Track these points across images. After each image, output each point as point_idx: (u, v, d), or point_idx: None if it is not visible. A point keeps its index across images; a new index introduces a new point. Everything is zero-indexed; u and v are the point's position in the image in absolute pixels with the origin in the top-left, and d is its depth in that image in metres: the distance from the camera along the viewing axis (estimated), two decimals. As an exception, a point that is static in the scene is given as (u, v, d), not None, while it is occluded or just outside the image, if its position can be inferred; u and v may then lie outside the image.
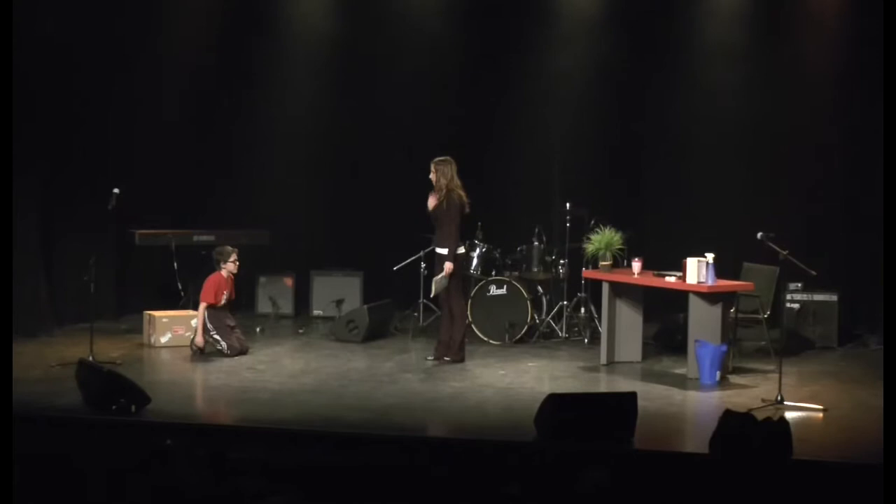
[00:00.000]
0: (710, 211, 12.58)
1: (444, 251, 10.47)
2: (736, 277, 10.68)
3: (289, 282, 12.98)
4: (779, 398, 8.95)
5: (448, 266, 10.41)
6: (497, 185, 12.99)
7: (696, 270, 9.91)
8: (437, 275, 10.50)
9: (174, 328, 11.17)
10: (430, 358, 10.69)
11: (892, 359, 7.91)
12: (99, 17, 11.81)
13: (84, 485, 6.39)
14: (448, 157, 10.53)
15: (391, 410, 8.78)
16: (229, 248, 11.08)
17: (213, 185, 13.11)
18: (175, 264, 12.08)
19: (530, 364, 10.71)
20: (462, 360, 10.59)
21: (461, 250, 10.63)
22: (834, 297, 11.64)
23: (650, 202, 12.89)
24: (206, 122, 13.01)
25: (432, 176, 10.50)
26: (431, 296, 10.77)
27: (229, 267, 10.97)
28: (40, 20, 11.07)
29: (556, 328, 11.90)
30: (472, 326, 11.64)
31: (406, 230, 12.01)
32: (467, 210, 10.54)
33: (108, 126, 12.10)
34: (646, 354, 10.90)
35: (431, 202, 10.56)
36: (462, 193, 10.48)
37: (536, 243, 11.92)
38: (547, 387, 9.40)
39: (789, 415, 8.50)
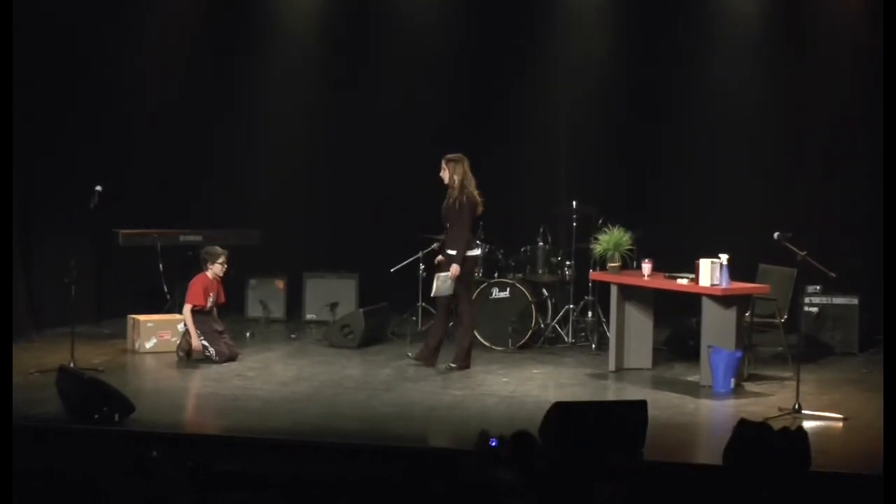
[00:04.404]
0: (725, 209, 12.60)
1: (454, 253, 10.44)
2: (751, 280, 10.69)
3: (280, 284, 12.98)
4: (796, 407, 8.97)
5: (454, 269, 10.40)
6: (500, 182, 12.94)
7: (710, 272, 9.91)
8: (441, 272, 10.48)
9: (159, 333, 11.18)
10: (410, 354, 10.72)
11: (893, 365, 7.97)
12: (81, 14, 11.84)
13: (64, 498, 6.39)
14: (460, 154, 10.48)
15: (388, 420, 8.80)
16: (220, 249, 11.06)
17: (200, 182, 13.12)
18: (160, 266, 12.10)
19: (535, 371, 10.73)
20: (468, 366, 10.60)
21: (476, 252, 10.62)
22: (854, 301, 11.65)
23: (661, 200, 12.89)
24: (192, 117, 13.02)
25: (444, 174, 10.47)
26: (432, 295, 10.63)
27: (216, 269, 10.97)
28: (23, 19, 11.10)
29: (562, 333, 11.91)
30: (474, 331, 11.65)
31: (404, 230, 12.02)
32: (481, 209, 10.51)
33: (90, 123, 12.11)
34: (656, 361, 10.91)
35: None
36: (475, 192, 10.46)
37: (541, 244, 11.92)
38: (552, 395, 9.40)
39: (807, 424, 8.48)
